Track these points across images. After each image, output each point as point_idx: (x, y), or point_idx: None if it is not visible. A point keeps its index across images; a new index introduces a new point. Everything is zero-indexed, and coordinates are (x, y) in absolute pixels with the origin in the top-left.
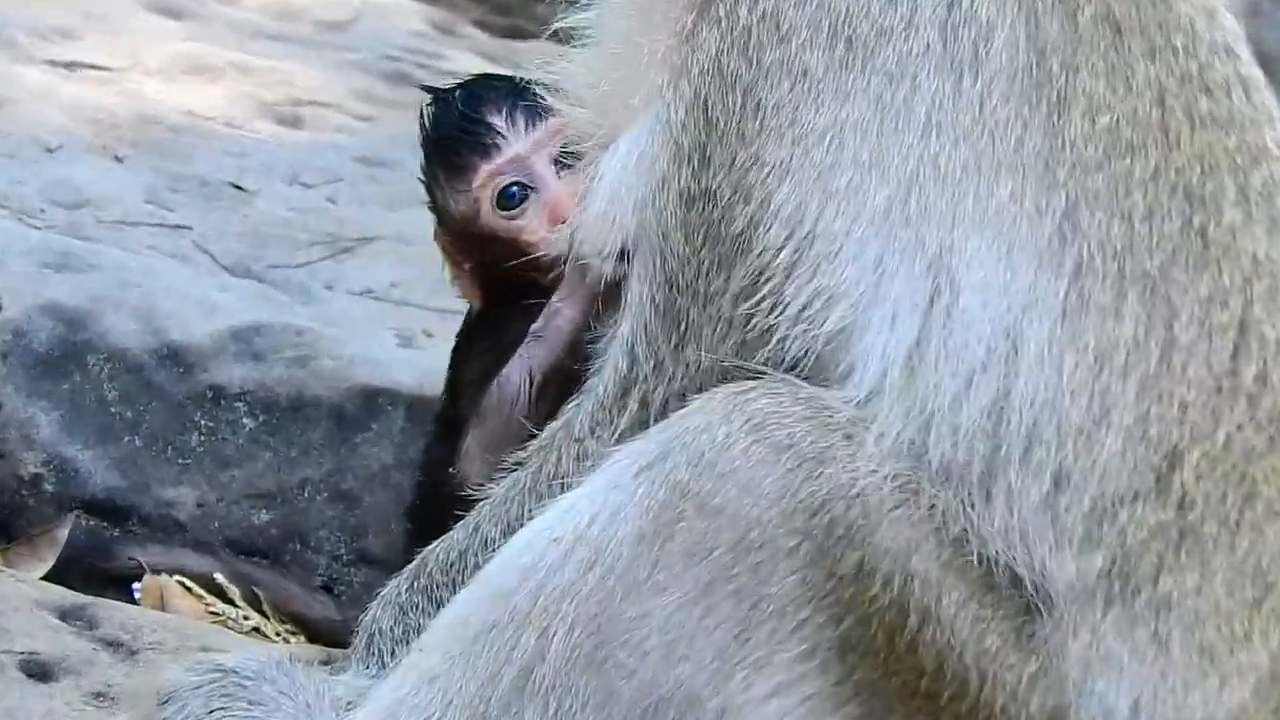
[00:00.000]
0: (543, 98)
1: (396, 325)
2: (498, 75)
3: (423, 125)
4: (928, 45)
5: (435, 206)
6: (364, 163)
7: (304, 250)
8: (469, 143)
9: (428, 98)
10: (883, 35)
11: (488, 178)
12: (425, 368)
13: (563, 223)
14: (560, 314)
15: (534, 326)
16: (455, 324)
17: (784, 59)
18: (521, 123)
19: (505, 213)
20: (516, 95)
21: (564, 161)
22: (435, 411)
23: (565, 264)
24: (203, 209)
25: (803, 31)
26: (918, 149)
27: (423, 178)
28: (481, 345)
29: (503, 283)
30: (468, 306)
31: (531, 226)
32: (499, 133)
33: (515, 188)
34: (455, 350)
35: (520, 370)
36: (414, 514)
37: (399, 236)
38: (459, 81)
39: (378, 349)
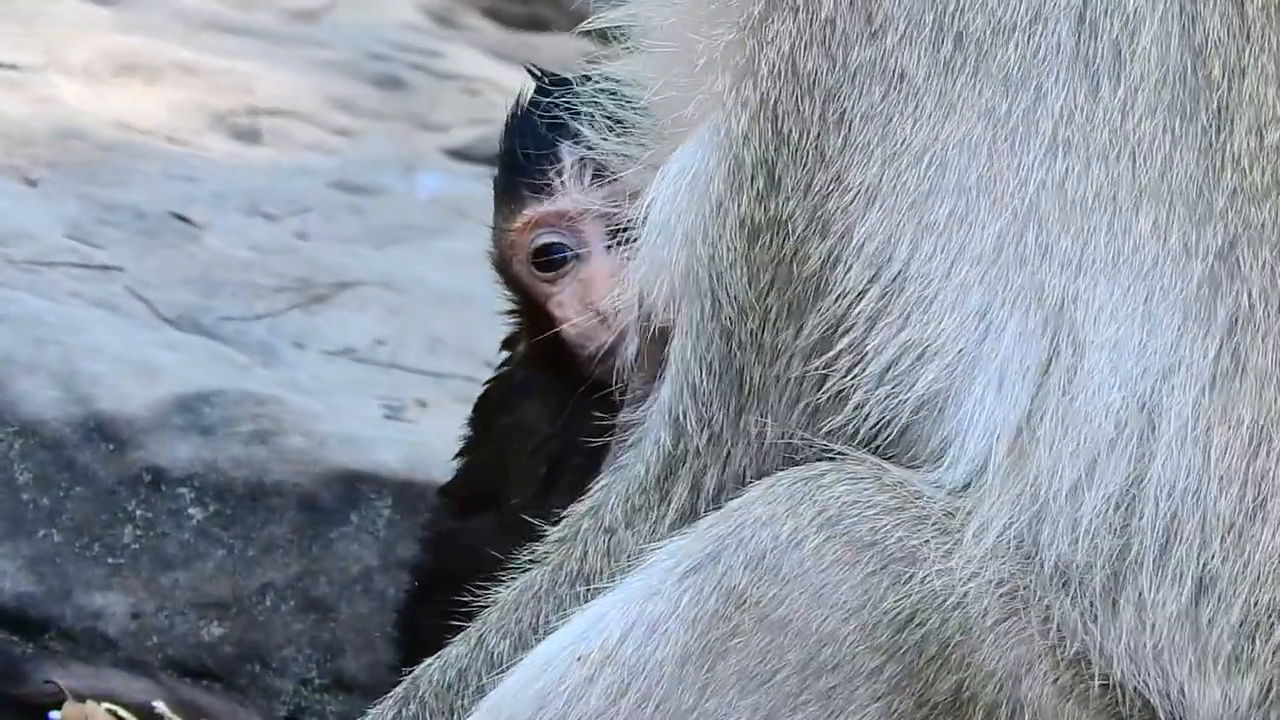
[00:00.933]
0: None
1: (382, 393)
2: (588, 84)
3: (510, 113)
4: (1058, 44)
5: (494, 220)
6: (341, 189)
7: (266, 298)
8: (525, 171)
9: (527, 78)
10: (1001, 32)
11: (528, 225)
12: (417, 445)
13: (595, 310)
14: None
15: (623, 416)
16: (455, 391)
17: (876, 59)
18: (587, 173)
19: (541, 273)
20: (590, 121)
21: (621, 236)
22: (439, 486)
23: (639, 343)
24: (139, 246)
25: (900, 26)
26: (1039, 172)
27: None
28: (528, 396)
29: (555, 346)
30: (513, 344)
31: (564, 299)
32: (560, 174)
33: (559, 247)
34: (485, 399)
35: None
36: (405, 621)
37: (386, 282)
38: (565, 76)
39: (358, 423)
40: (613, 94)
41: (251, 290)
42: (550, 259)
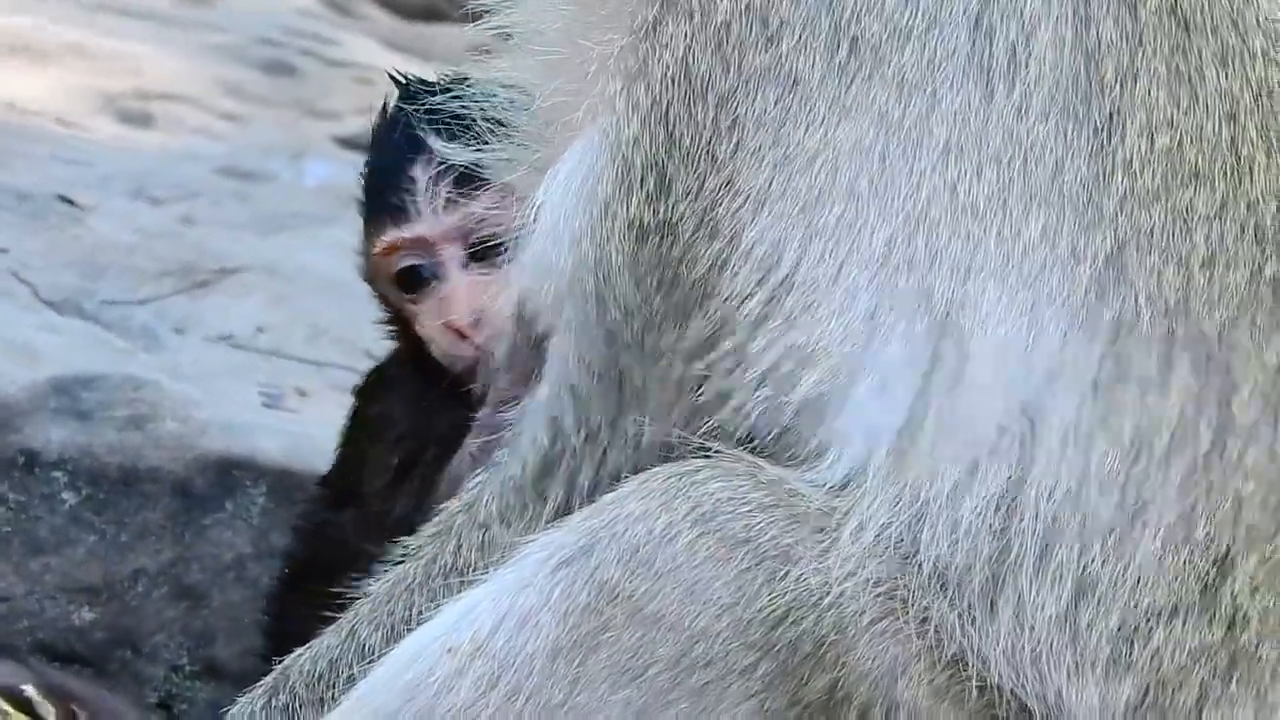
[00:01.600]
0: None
1: (262, 380)
2: (465, 88)
3: (373, 128)
4: (954, 48)
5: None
6: (229, 174)
7: (150, 283)
8: (383, 195)
9: (390, 86)
10: (897, 36)
11: (388, 248)
12: (296, 435)
13: (457, 331)
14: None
15: (482, 415)
16: (335, 380)
17: (771, 64)
18: (442, 197)
19: (405, 293)
20: (451, 135)
21: (482, 253)
22: (317, 478)
23: (511, 345)
24: (23, 228)
25: (796, 31)
26: (931, 177)
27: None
28: (394, 390)
29: (425, 354)
30: (392, 346)
31: (425, 319)
32: (415, 200)
33: (420, 269)
34: (359, 390)
35: (474, 469)
36: (275, 609)
37: (271, 269)
38: (429, 84)
39: (237, 410)
40: (495, 97)
41: (135, 275)
42: (411, 280)
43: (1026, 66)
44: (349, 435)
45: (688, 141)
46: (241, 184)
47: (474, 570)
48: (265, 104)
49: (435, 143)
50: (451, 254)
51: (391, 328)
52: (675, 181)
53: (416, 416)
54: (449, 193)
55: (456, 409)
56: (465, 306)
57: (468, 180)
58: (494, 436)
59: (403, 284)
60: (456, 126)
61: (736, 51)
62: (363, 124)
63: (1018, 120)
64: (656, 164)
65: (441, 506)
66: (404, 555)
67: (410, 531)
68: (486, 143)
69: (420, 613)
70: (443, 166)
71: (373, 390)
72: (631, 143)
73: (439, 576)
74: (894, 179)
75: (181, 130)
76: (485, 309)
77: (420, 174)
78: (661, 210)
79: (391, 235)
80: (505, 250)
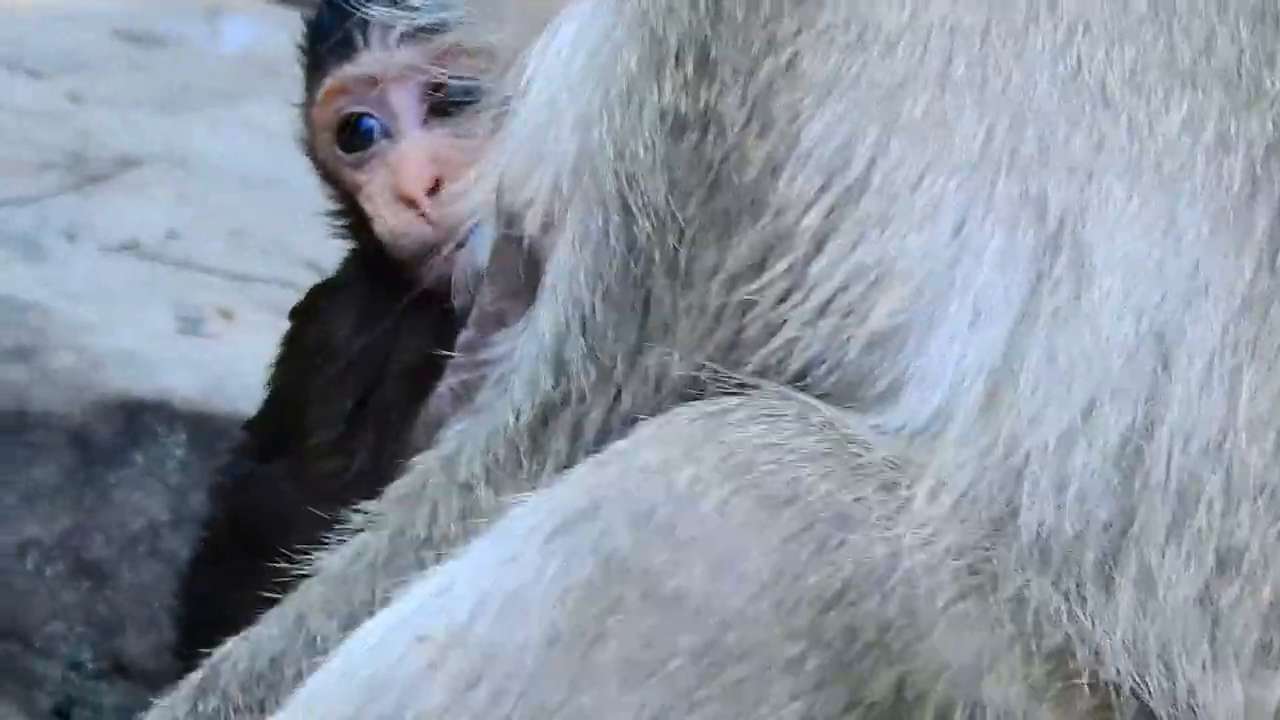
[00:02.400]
0: None
1: (175, 300)
2: None
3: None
4: None
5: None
6: (126, 39)
7: (31, 178)
8: (327, 29)
9: None
10: None
11: (330, 93)
12: (218, 368)
13: (406, 200)
14: (504, 320)
15: (463, 338)
16: (266, 298)
17: None
18: (394, 31)
19: (346, 153)
20: None
21: (442, 106)
22: (244, 422)
23: (494, 247)
24: None
25: None
26: (1047, 58)
27: None
28: (355, 315)
29: (379, 252)
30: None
31: (372, 189)
32: (364, 30)
33: (366, 121)
34: (296, 309)
35: (458, 410)
36: (194, 590)
37: (180, 159)
38: None
39: (145, 337)
40: None
41: (11, 167)
42: (355, 137)
43: None
44: (283, 366)
45: (740, 14)
46: (140, 51)
47: (453, 543)
48: None
49: None
50: (406, 102)
51: (340, 217)
52: (722, 63)
53: (372, 340)
54: (406, 26)
55: (427, 330)
56: (421, 171)
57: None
58: (478, 370)
59: (345, 143)
60: None
61: None
62: None
63: None
64: (698, 40)
65: (410, 462)
66: (364, 524)
67: (368, 493)
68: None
69: (386, 597)
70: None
71: (315, 308)
72: (665, 11)
73: (409, 551)
74: (999, 63)
75: None
76: (448, 176)
77: (375, 7)
78: (703, 98)
79: (334, 76)
80: (475, 103)
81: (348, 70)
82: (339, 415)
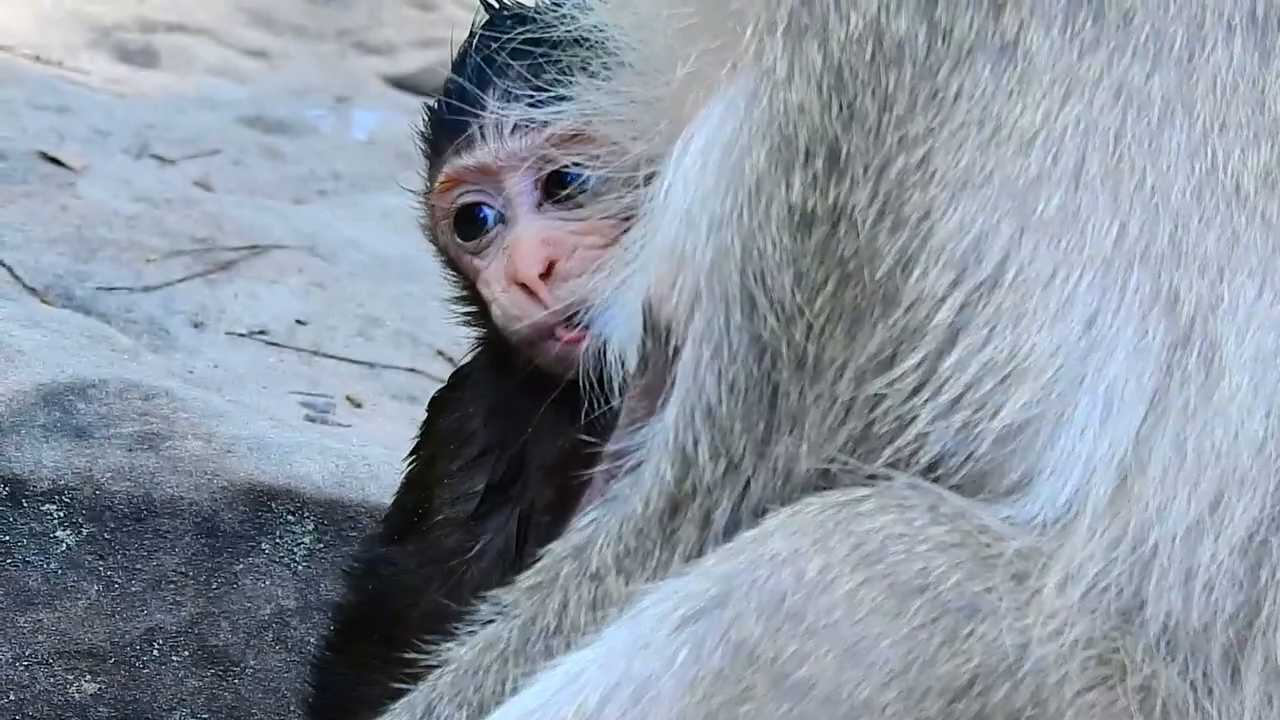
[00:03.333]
0: (571, 75)
1: (304, 387)
2: (515, 18)
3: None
4: (1225, 5)
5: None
6: (256, 126)
7: (158, 265)
8: (446, 119)
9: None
10: None
11: (448, 181)
12: (348, 456)
13: (519, 284)
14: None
15: (612, 445)
16: (396, 386)
17: (990, 30)
18: (511, 119)
19: (464, 241)
20: (536, 69)
21: (556, 191)
22: (379, 512)
23: (643, 355)
24: None
25: None
26: (1182, 157)
27: None
28: (487, 401)
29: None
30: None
31: (489, 274)
32: (480, 119)
33: (483, 209)
34: (438, 401)
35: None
36: (324, 678)
37: (309, 245)
38: (524, 11)
39: (273, 425)
40: (608, 40)
41: (139, 254)
42: (472, 224)
43: None
44: (417, 454)
45: (872, 115)
46: (271, 137)
47: (583, 633)
48: (299, 35)
49: (526, 68)
50: (519, 188)
51: (463, 304)
52: (853, 161)
53: (508, 427)
54: (521, 115)
55: (566, 420)
56: (535, 254)
57: (543, 98)
58: (618, 464)
59: (463, 230)
60: (552, 72)
61: (948, 13)
62: (423, 61)
63: None
64: (828, 139)
65: (541, 551)
66: (494, 614)
67: (500, 582)
68: (587, 99)
69: (515, 686)
70: (517, 88)
71: (448, 397)
72: (795, 111)
73: (539, 641)
74: (1134, 161)
75: (195, 70)
76: (561, 258)
77: (491, 97)
78: (833, 195)
79: (452, 166)
80: (588, 186)
81: (464, 160)
82: (467, 495)
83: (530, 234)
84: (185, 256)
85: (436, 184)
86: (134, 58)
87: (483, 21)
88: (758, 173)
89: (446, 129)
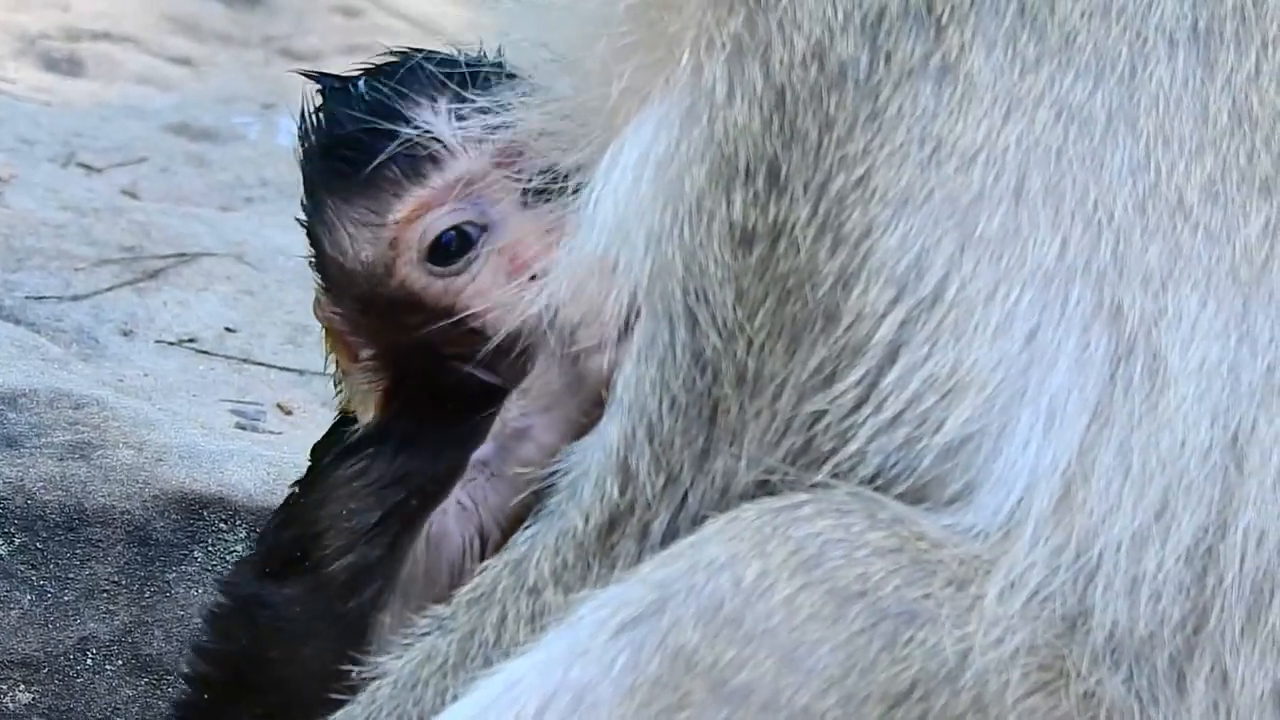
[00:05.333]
0: (502, 86)
1: (234, 395)
2: (428, 51)
3: (306, 128)
4: (1168, 18)
5: (320, 258)
6: (182, 133)
7: (87, 273)
8: (386, 149)
9: (309, 84)
10: (1097, 14)
11: (416, 210)
12: (279, 463)
13: (531, 276)
14: (529, 435)
15: (480, 452)
16: (325, 393)
17: (932, 52)
18: (472, 124)
19: (439, 266)
20: (462, 81)
21: (532, 191)
22: (261, 531)
23: (530, 345)
24: None
25: (970, 17)
26: (1124, 172)
27: (303, 211)
28: (372, 473)
29: (428, 381)
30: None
31: (480, 287)
32: (436, 137)
33: (457, 231)
34: (313, 470)
35: (464, 526)
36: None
37: (239, 253)
38: (367, 66)
39: (204, 433)
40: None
41: (68, 262)
42: (451, 247)
43: (1258, 24)
44: (305, 496)
45: (813, 135)
46: (198, 145)
47: (523, 647)
48: (226, 43)
49: (435, 62)
50: (501, 192)
51: (387, 363)
52: (793, 179)
53: (418, 465)
54: (476, 113)
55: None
56: (541, 240)
57: (490, 105)
58: (491, 486)
59: (439, 258)
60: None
61: (890, 37)
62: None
63: (1247, 94)
64: (769, 157)
65: (481, 566)
66: (431, 627)
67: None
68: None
69: (453, 699)
70: (453, 88)
71: (343, 446)
72: (736, 130)
73: (479, 654)
74: (1075, 177)
75: (121, 78)
76: (549, 254)
77: (426, 108)
78: (773, 212)
79: (420, 192)
80: (565, 187)
81: (435, 181)
82: (365, 535)
83: (528, 227)
84: (114, 265)
85: (396, 217)
86: (60, 66)
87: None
88: (698, 189)
89: (390, 158)
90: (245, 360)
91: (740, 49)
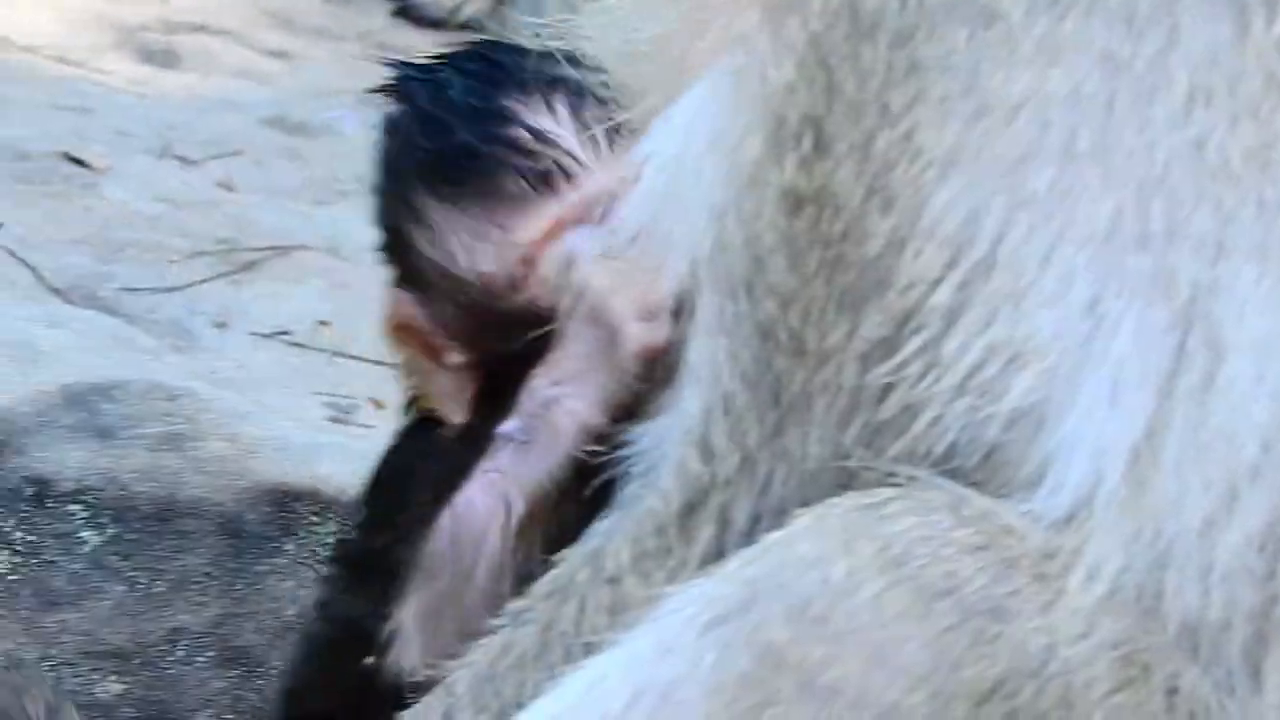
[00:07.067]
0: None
1: (327, 388)
2: (499, 42)
3: (392, 124)
4: None
5: (411, 259)
6: (278, 127)
7: (181, 265)
8: (515, 157)
9: (388, 72)
10: None
11: (553, 228)
12: (372, 457)
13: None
14: (560, 405)
15: (505, 426)
16: None
17: None
18: (596, 130)
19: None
20: (563, 79)
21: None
22: (340, 545)
23: (563, 314)
24: (18, 197)
25: None
26: (1169, 132)
27: (384, 205)
28: (446, 471)
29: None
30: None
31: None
32: (565, 148)
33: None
34: (388, 463)
35: (490, 497)
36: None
37: (333, 247)
38: (440, 53)
39: (296, 425)
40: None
41: (162, 254)
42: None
43: None
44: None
45: (852, 89)
46: (293, 138)
47: (603, 637)
48: (322, 37)
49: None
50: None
51: (453, 380)
52: (837, 139)
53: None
54: (603, 129)
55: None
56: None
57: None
58: (515, 448)
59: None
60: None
61: None
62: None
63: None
64: (813, 118)
65: (556, 558)
66: (510, 620)
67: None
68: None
69: (533, 692)
70: (577, 91)
71: (401, 460)
72: (785, 91)
73: (558, 647)
74: (1122, 135)
75: (217, 71)
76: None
77: (560, 101)
78: (819, 174)
79: (553, 210)
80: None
81: (571, 198)
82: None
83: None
84: (208, 257)
85: (535, 236)
86: (157, 59)
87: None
88: (753, 156)
89: (517, 163)
90: (338, 353)
91: (779, 5)
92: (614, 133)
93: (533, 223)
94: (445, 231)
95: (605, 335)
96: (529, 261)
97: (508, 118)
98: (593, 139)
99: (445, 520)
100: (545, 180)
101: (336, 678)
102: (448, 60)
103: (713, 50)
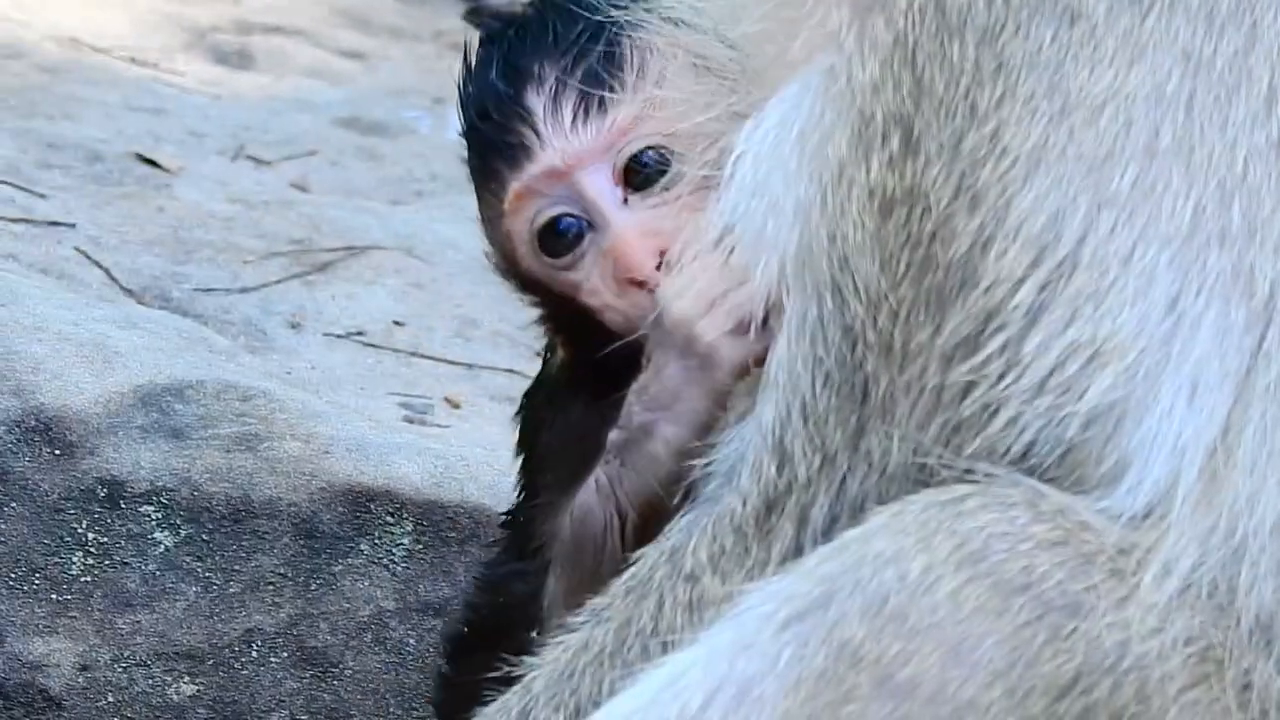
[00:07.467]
0: (641, 45)
1: (402, 387)
2: (541, 13)
3: (463, 82)
4: None
5: (481, 215)
6: (351, 127)
7: (255, 266)
8: (493, 137)
9: (470, 31)
10: None
11: (517, 199)
12: (446, 456)
13: (635, 283)
14: (653, 432)
15: (613, 436)
16: (494, 387)
17: None
18: (572, 109)
19: (551, 259)
20: (582, 54)
21: (643, 177)
22: (503, 513)
23: (657, 328)
24: (91, 197)
25: None
26: (1250, 130)
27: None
28: (567, 418)
29: (585, 345)
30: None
31: (593, 283)
32: (533, 123)
33: (567, 220)
34: (526, 418)
35: (604, 504)
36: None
37: (408, 247)
38: (521, 8)
39: (371, 426)
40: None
41: (236, 255)
42: (558, 239)
43: None
44: (526, 470)
45: (940, 88)
46: (368, 139)
47: (680, 634)
48: (396, 37)
49: (571, 23)
50: (599, 187)
51: (551, 324)
52: (925, 138)
53: (587, 441)
54: (577, 103)
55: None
56: (643, 251)
57: (599, 82)
58: (619, 462)
59: (549, 248)
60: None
61: None
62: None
63: None
64: (901, 117)
65: (636, 555)
66: (589, 617)
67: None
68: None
69: (611, 688)
70: (564, 77)
71: (543, 413)
72: (870, 90)
73: (636, 644)
74: (1203, 133)
75: (290, 71)
76: (669, 245)
77: (531, 91)
78: (909, 174)
79: (518, 181)
80: (668, 167)
81: (529, 170)
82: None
83: (629, 231)
84: (282, 258)
85: (505, 205)
86: (230, 59)
87: (480, 37)
88: (839, 155)
89: (495, 144)
90: (413, 354)
91: (865, 3)
92: (585, 112)
93: (506, 196)
94: (481, 202)
95: (697, 363)
96: (509, 233)
97: (499, 95)
98: (553, 113)
99: (567, 524)
100: (513, 156)
101: (497, 646)
102: (517, 21)
103: (806, 49)
